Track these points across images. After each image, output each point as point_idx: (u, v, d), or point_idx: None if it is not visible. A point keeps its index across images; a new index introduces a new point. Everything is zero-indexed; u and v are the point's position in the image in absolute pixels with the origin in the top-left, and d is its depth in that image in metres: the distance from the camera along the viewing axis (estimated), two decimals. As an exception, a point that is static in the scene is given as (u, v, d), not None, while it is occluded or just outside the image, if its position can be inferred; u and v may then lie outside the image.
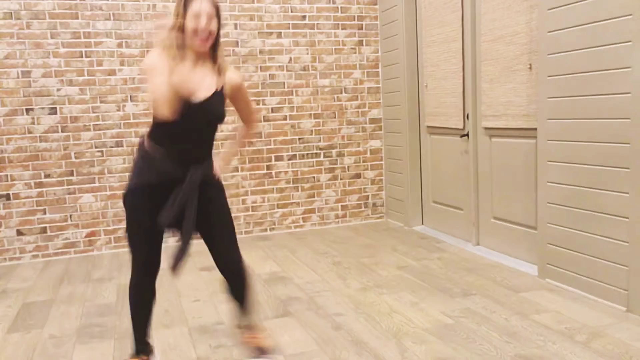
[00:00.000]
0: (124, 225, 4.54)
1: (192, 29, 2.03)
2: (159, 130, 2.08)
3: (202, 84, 2.09)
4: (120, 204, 4.54)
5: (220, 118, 2.18)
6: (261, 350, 2.35)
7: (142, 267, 2.22)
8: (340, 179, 5.18)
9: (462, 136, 4.21)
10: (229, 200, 4.90)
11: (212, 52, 2.13)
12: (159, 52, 2.01)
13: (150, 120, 2.16)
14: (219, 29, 2.09)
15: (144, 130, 2.15)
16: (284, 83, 4.91)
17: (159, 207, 2.09)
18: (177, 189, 2.08)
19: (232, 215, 4.87)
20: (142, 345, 2.27)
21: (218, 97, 2.17)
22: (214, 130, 2.20)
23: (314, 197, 5.11)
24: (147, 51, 4.51)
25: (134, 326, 2.25)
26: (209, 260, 4.15)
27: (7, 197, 4.30)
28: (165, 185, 2.09)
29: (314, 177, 5.09)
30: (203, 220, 2.21)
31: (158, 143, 2.09)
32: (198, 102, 2.06)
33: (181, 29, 2.05)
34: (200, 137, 2.15)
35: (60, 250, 4.46)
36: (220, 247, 2.26)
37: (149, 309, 2.27)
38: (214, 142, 2.25)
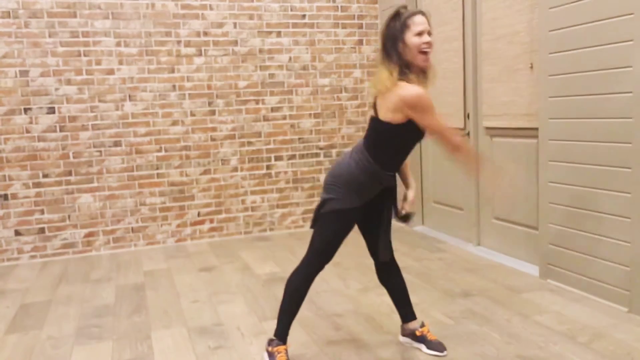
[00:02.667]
0: (122, 225, 4.55)
1: (416, 47, 2.07)
2: (396, 152, 2.21)
3: None
4: (119, 203, 4.52)
5: None
6: (431, 344, 2.44)
7: (324, 263, 2.29)
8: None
9: (463, 136, 4.20)
10: (230, 200, 4.84)
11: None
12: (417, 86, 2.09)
13: (375, 145, 2.22)
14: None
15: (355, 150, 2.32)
16: (283, 82, 4.89)
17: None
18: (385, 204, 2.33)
19: (232, 215, 4.87)
20: (285, 334, 2.34)
21: None
22: None
23: (313, 197, 5.09)
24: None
25: (289, 316, 2.31)
26: (209, 261, 4.15)
27: (5, 197, 4.28)
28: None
29: (313, 177, 5.07)
30: (377, 218, 2.36)
31: (385, 163, 2.21)
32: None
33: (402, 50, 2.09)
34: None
35: (58, 251, 4.44)
36: (383, 241, 2.39)
37: (299, 307, 2.35)
38: None
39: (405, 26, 2.08)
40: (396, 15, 2.11)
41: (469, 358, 2.37)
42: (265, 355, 2.35)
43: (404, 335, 2.54)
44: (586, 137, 2.94)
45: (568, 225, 3.11)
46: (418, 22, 2.07)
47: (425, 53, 2.09)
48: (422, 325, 2.48)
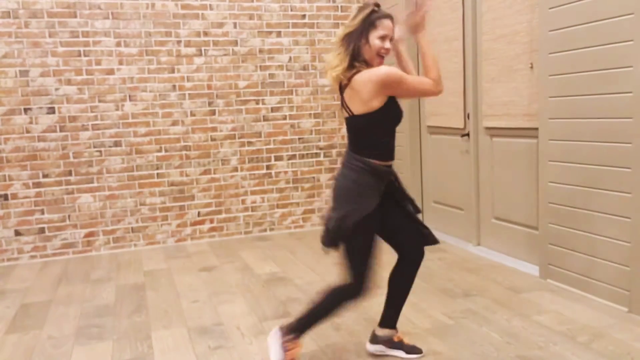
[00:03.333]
0: (122, 225, 4.55)
1: (376, 49, 2.14)
2: (380, 140, 2.18)
3: None
4: (119, 203, 4.52)
5: None
6: (408, 348, 2.42)
7: (368, 283, 2.19)
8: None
9: (462, 136, 4.19)
10: (230, 200, 4.83)
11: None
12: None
13: (356, 139, 2.22)
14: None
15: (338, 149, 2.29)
16: (283, 82, 4.89)
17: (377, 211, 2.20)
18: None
19: (232, 215, 4.86)
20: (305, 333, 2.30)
21: None
22: None
23: (314, 197, 5.09)
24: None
25: (316, 323, 2.27)
26: (209, 261, 4.15)
27: (5, 197, 4.28)
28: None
29: (313, 177, 5.07)
30: (397, 215, 2.34)
31: (376, 156, 2.18)
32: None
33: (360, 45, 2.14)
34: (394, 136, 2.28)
35: (58, 251, 4.44)
36: (410, 231, 2.36)
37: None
38: None
39: (372, 25, 2.13)
40: (369, 12, 2.16)
41: (469, 358, 2.37)
42: (277, 344, 2.26)
43: (375, 342, 2.43)
44: (586, 137, 2.94)
45: (568, 225, 3.11)
46: (385, 26, 2.13)
47: (382, 57, 2.16)
48: (397, 331, 2.43)
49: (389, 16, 2.17)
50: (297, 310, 3.02)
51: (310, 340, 2.62)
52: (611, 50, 2.74)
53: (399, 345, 2.41)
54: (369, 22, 2.14)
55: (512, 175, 3.73)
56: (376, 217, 2.19)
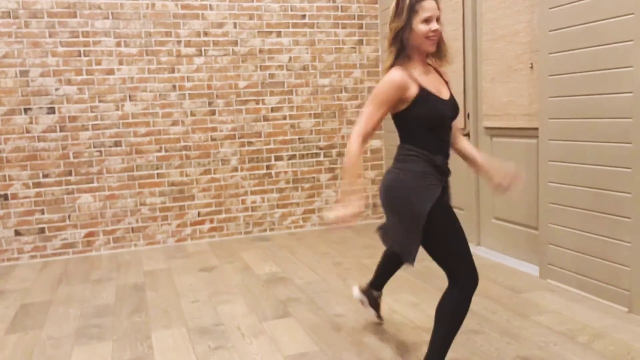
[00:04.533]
0: (122, 225, 4.55)
1: (423, 34, 2.01)
2: (425, 138, 2.04)
3: (437, 82, 2.10)
4: (119, 203, 4.52)
5: (458, 111, 2.16)
6: (379, 313, 2.76)
7: (472, 273, 2.01)
8: (341, 179, 5.16)
9: (463, 136, 4.19)
10: (230, 200, 4.83)
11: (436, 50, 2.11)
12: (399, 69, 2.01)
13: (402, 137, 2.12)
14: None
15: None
16: (283, 82, 4.89)
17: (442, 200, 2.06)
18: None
19: (232, 215, 4.86)
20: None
21: (451, 92, 2.17)
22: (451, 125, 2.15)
23: (314, 197, 5.09)
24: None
25: (448, 343, 2.03)
26: (209, 261, 4.14)
27: (5, 197, 4.28)
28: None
29: (314, 177, 5.07)
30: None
31: (432, 153, 2.04)
32: (447, 100, 2.08)
33: (408, 33, 2.02)
34: (449, 133, 2.13)
35: (58, 251, 4.44)
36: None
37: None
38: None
39: (413, 11, 2.00)
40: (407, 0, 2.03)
41: (469, 358, 2.36)
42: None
43: (362, 291, 2.75)
44: (586, 137, 2.94)
45: (568, 225, 3.11)
46: (427, 8, 2.01)
47: (431, 39, 2.02)
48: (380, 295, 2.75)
49: None
50: (298, 310, 3.03)
51: (310, 340, 2.62)
52: (611, 50, 2.74)
53: (376, 305, 2.77)
54: (408, 8, 2.01)
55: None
56: (442, 207, 2.04)
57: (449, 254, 2.02)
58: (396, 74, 1.98)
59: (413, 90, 1.98)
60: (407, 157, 2.06)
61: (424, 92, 1.99)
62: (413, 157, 2.04)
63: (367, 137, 2.02)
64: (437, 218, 2.00)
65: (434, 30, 2.02)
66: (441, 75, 2.17)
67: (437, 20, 2.05)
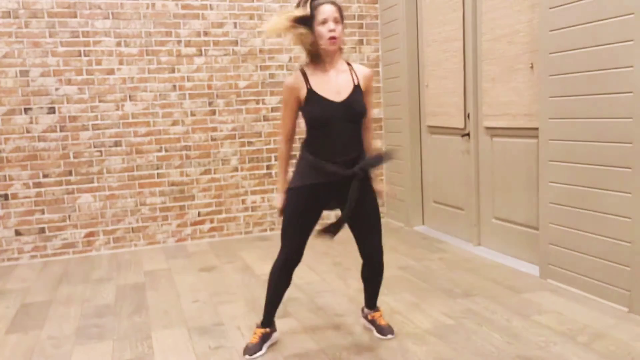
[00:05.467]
0: (122, 225, 4.55)
1: (321, 34, 2.21)
2: (312, 136, 2.32)
3: (340, 84, 2.29)
4: (120, 203, 4.53)
5: (363, 113, 2.33)
6: (380, 328, 2.63)
7: (289, 254, 2.40)
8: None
9: (463, 136, 4.19)
10: (230, 200, 4.83)
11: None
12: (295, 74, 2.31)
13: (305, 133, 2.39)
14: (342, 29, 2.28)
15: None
16: (283, 82, 4.88)
17: (319, 204, 2.37)
18: (346, 191, 2.31)
19: (232, 215, 4.86)
20: (269, 320, 2.52)
21: (357, 93, 2.32)
22: (358, 125, 2.33)
23: (313, 197, 5.08)
24: (145, 51, 4.50)
25: (266, 303, 2.49)
26: (209, 261, 4.15)
27: (5, 197, 4.28)
28: (329, 185, 2.32)
29: (313, 176, 5.06)
30: (358, 215, 2.39)
31: (312, 149, 2.32)
32: (341, 101, 2.26)
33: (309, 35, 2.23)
34: (348, 134, 2.29)
35: (58, 251, 4.44)
36: (368, 239, 2.46)
37: (283, 292, 2.48)
38: (361, 136, 2.36)
39: (312, 15, 2.20)
40: (307, 3, 2.22)
41: (469, 358, 2.36)
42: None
43: (362, 316, 2.76)
44: (586, 137, 2.94)
45: (568, 225, 3.11)
46: (323, 11, 2.19)
47: (330, 39, 2.20)
48: (376, 310, 2.68)
49: (327, 2, 2.22)
50: (298, 310, 3.03)
51: (310, 340, 2.62)
52: (611, 50, 2.74)
53: (372, 322, 2.67)
54: (311, 14, 2.21)
55: (512, 175, 3.73)
56: (306, 196, 2.33)
57: (282, 230, 2.39)
58: (288, 78, 2.30)
59: (303, 92, 2.26)
60: (301, 150, 2.39)
61: (310, 94, 2.24)
62: (303, 150, 2.37)
63: (286, 137, 2.39)
64: (294, 199, 2.33)
65: (331, 30, 2.18)
66: (357, 77, 2.34)
67: (337, 22, 2.21)
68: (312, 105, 2.25)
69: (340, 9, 2.25)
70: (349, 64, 2.37)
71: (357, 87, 2.31)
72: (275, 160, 4.93)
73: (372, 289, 2.64)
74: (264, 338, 2.50)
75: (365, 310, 2.73)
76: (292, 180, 2.38)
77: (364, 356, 2.44)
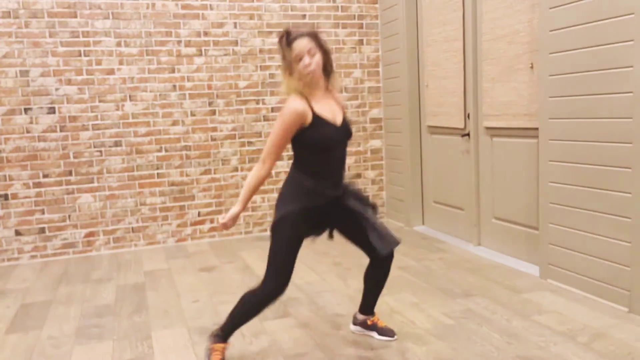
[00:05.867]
0: (122, 225, 4.55)
1: (300, 69, 2.20)
2: (313, 160, 2.29)
3: (333, 108, 2.31)
4: (120, 203, 4.53)
5: (352, 135, 2.38)
6: (383, 330, 2.59)
7: (282, 282, 2.31)
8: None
9: (463, 136, 4.19)
10: (230, 200, 4.82)
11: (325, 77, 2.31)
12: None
13: (297, 156, 2.36)
14: (326, 56, 2.25)
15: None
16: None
17: (311, 226, 2.33)
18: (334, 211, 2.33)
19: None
20: (229, 337, 2.42)
21: (345, 115, 2.38)
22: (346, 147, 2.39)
23: (314, 197, 5.08)
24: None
25: (234, 324, 2.37)
26: (209, 261, 4.14)
27: (5, 197, 4.28)
28: (320, 207, 2.29)
29: (314, 176, 5.06)
30: (352, 225, 2.38)
31: (311, 172, 2.28)
32: (340, 125, 2.29)
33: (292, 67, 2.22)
34: (343, 156, 2.36)
35: (58, 251, 4.44)
36: (369, 240, 2.37)
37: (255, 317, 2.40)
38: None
39: (288, 50, 2.19)
40: (283, 37, 2.20)
41: (469, 358, 2.36)
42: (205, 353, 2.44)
43: (354, 324, 2.68)
44: (586, 137, 2.94)
45: (569, 225, 3.11)
46: (295, 47, 2.18)
47: (308, 73, 2.18)
48: (373, 315, 2.63)
49: (300, 36, 2.21)
50: (298, 309, 3.03)
51: (310, 340, 2.62)
52: (611, 50, 2.74)
53: (373, 327, 2.61)
54: (288, 49, 2.20)
55: (512, 175, 3.73)
56: (298, 221, 2.25)
57: (275, 259, 2.26)
58: (296, 103, 2.18)
59: (309, 117, 2.19)
60: (290, 177, 2.36)
61: (316, 118, 2.20)
62: (293, 178, 2.33)
63: (274, 162, 2.31)
64: (293, 222, 2.24)
65: (306, 65, 2.17)
66: (338, 100, 2.37)
67: (312, 54, 2.18)
68: (319, 129, 2.21)
69: (315, 37, 2.22)
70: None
71: (343, 110, 2.39)
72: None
73: (376, 292, 2.56)
74: (224, 352, 2.40)
75: (361, 316, 2.64)
76: (286, 204, 2.26)
77: (363, 356, 2.44)
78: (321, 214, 2.32)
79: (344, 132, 2.30)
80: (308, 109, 2.19)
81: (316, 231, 2.40)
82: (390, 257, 2.44)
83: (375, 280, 2.52)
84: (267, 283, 2.26)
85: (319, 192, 2.25)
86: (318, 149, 2.24)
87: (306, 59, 2.17)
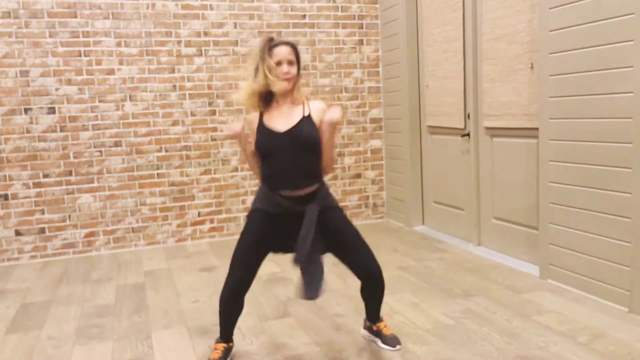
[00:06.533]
0: (122, 225, 4.55)
1: (275, 74, 2.24)
2: (263, 165, 2.35)
3: (291, 116, 2.31)
4: (120, 203, 4.53)
5: (311, 141, 2.29)
6: (387, 339, 2.54)
7: (234, 277, 2.43)
8: (341, 179, 5.17)
9: (463, 136, 4.19)
10: (230, 200, 4.82)
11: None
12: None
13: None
14: (299, 71, 2.32)
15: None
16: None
17: (272, 234, 2.36)
18: (301, 223, 2.27)
19: (232, 215, 4.86)
20: (228, 336, 2.46)
21: (306, 123, 2.29)
22: (310, 155, 2.30)
23: (313, 197, 5.08)
24: (146, 51, 4.50)
25: (221, 325, 2.43)
26: (209, 261, 4.14)
27: (5, 197, 4.28)
28: (283, 217, 2.30)
29: (313, 177, 5.06)
30: (331, 242, 2.34)
31: (264, 177, 2.35)
32: (285, 131, 2.27)
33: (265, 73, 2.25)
34: (296, 164, 2.29)
35: (58, 251, 4.44)
36: (356, 259, 2.36)
37: (237, 316, 2.44)
38: (317, 168, 2.34)
39: (269, 54, 2.24)
40: (266, 41, 2.26)
41: (469, 358, 2.36)
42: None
43: (364, 328, 2.66)
44: (586, 137, 2.94)
45: (568, 225, 3.11)
46: (277, 53, 2.23)
47: (283, 79, 2.23)
48: (380, 321, 2.58)
49: (284, 43, 2.27)
50: (298, 310, 3.03)
51: (310, 340, 2.62)
52: (611, 50, 2.74)
53: (378, 333, 2.57)
54: (268, 51, 2.26)
55: (512, 175, 3.73)
56: (261, 221, 2.34)
57: (234, 255, 2.43)
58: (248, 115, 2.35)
59: (255, 124, 2.34)
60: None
61: (260, 126, 2.31)
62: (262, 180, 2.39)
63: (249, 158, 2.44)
64: (249, 218, 2.38)
65: (285, 73, 2.23)
66: (309, 108, 2.33)
67: (291, 64, 2.25)
68: (258, 135, 2.31)
69: (295, 50, 2.28)
70: (306, 100, 2.38)
71: (306, 118, 2.28)
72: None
73: (375, 303, 2.52)
74: (226, 352, 2.42)
75: (368, 322, 2.62)
76: (254, 202, 2.40)
77: (363, 356, 2.44)
78: (285, 225, 2.30)
79: (289, 138, 2.24)
80: (255, 118, 2.34)
81: (282, 246, 2.41)
82: (378, 278, 2.38)
83: (371, 294, 2.48)
84: (227, 276, 2.40)
85: (274, 200, 2.29)
86: (258, 153, 2.34)
87: (285, 67, 2.23)
